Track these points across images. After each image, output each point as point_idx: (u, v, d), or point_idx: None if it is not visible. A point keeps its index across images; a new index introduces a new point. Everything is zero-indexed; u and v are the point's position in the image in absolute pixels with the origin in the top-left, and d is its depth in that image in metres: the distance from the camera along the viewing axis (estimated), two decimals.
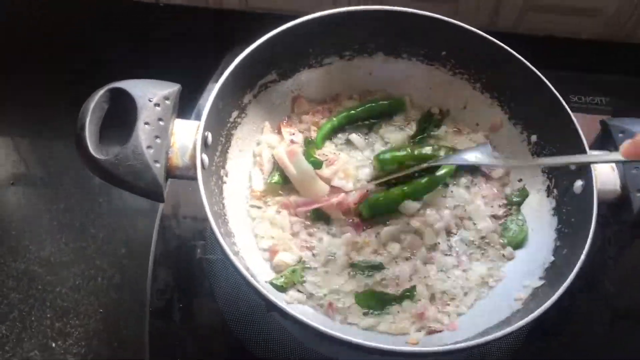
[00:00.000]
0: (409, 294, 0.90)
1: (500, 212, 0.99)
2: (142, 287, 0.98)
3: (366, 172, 1.00)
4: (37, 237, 1.05)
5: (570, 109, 0.91)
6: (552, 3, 1.26)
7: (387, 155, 0.99)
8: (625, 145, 0.70)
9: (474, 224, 0.97)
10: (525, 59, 0.95)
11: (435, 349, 0.74)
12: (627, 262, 1.10)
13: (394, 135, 1.04)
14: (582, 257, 0.79)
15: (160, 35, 1.26)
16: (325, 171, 0.98)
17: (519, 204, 0.99)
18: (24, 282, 1.00)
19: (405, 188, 0.95)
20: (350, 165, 1.00)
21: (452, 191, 1.00)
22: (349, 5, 0.98)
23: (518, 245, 0.95)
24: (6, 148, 1.18)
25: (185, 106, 0.89)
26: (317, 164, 0.97)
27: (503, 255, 0.95)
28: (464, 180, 1.01)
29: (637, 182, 0.86)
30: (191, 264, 1.01)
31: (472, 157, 0.89)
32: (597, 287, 1.05)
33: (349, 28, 0.98)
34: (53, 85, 1.20)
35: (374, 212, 0.95)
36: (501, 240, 0.96)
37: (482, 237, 0.97)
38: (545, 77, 0.93)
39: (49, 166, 1.16)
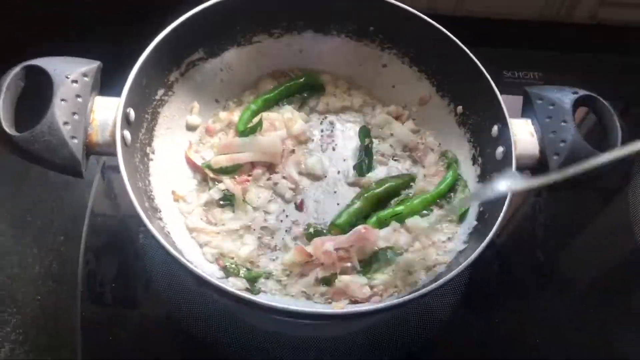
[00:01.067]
0: None
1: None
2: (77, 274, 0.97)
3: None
4: None
5: (504, 84, 0.94)
6: None
7: (342, 219, 0.95)
8: None
9: None
10: (462, 40, 0.96)
11: (357, 309, 0.75)
12: (555, 228, 1.12)
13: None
14: (500, 216, 0.80)
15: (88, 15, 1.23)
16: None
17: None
18: None
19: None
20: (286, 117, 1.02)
21: None
22: None
23: (462, 217, 0.95)
24: None
25: (114, 84, 0.88)
26: (254, 129, 0.99)
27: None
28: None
29: (554, 146, 0.88)
30: (128, 250, 1.01)
31: (503, 186, 0.80)
32: (528, 254, 1.07)
33: (275, 4, 0.99)
34: None
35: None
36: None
37: None
38: (480, 55, 0.95)
39: None
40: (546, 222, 1.11)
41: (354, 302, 0.87)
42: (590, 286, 1.07)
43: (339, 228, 0.92)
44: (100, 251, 1.01)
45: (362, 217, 0.95)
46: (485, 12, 1.32)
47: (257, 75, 1.06)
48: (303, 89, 1.07)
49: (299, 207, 0.97)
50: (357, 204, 0.95)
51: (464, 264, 0.77)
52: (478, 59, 0.94)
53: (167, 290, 0.96)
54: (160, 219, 0.87)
